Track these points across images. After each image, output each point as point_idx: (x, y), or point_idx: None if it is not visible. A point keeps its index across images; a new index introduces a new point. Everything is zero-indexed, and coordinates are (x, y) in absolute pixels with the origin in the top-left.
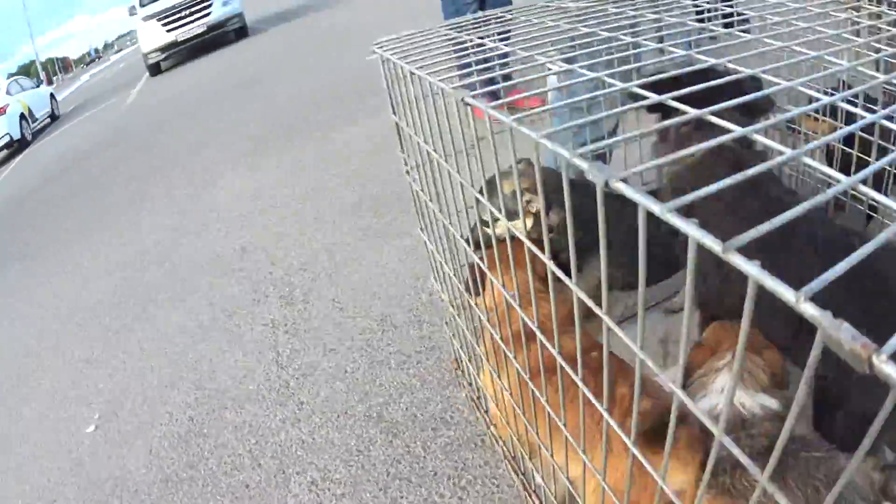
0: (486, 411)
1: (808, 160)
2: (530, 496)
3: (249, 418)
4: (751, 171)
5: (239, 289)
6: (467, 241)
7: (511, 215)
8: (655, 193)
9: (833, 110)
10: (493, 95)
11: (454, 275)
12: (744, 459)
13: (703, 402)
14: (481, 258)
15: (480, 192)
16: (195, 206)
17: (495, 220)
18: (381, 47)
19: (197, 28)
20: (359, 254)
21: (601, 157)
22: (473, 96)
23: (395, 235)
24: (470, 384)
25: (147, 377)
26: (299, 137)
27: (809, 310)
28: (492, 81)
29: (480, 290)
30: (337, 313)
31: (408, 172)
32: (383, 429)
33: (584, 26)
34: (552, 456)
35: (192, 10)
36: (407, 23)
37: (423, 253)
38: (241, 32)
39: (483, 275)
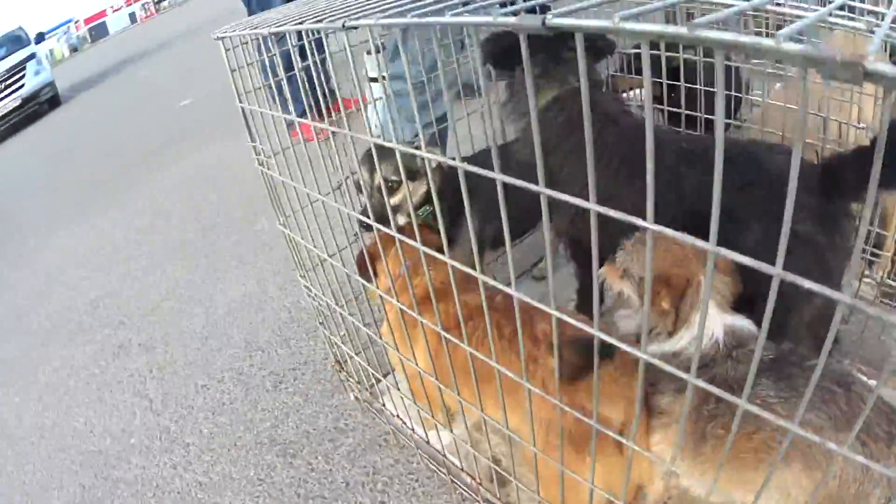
0: (384, 405)
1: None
2: (457, 477)
3: (139, 472)
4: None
5: (97, 344)
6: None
7: (412, 174)
8: (506, 147)
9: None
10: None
11: (330, 257)
12: None
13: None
14: (380, 238)
15: (369, 160)
16: (37, 272)
17: (397, 184)
18: (224, 33)
19: (12, 102)
20: (208, 286)
21: (441, 135)
22: None
23: (240, 261)
24: (359, 382)
25: (27, 454)
26: (127, 188)
27: (791, 47)
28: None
29: (373, 276)
30: (200, 348)
31: (261, 162)
32: (279, 452)
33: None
34: (483, 411)
35: (7, 82)
36: (212, 68)
37: (273, 274)
38: (54, 102)
39: (374, 260)
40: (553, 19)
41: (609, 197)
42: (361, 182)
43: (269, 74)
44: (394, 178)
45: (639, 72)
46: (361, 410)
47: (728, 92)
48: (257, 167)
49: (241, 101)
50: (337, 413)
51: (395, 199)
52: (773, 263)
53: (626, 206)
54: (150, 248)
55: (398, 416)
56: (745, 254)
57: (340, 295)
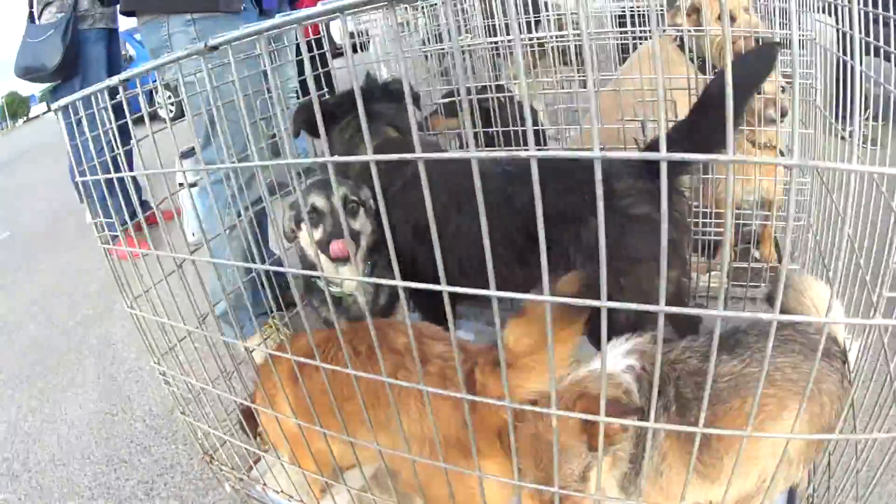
0: (265, 485)
1: None
2: None
3: None
4: None
5: None
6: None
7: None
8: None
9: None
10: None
11: (198, 327)
12: None
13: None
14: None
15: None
16: None
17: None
18: (57, 107)
19: None
20: (53, 410)
21: (258, 217)
22: None
23: (76, 386)
24: (233, 469)
25: None
26: None
27: None
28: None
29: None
30: (62, 470)
31: (104, 241)
32: None
33: None
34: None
35: None
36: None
37: (115, 389)
38: None
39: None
40: (212, 41)
41: (443, 227)
42: (316, 207)
43: (107, 148)
44: (353, 198)
45: (449, 114)
46: (241, 500)
47: (535, 127)
48: (101, 246)
49: (79, 177)
50: None
51: (354, 224)
52: (609, 253)
53: (455, 231)
54: None
55: (282, 491)
56: (586, 245)
57: (205, 372)
